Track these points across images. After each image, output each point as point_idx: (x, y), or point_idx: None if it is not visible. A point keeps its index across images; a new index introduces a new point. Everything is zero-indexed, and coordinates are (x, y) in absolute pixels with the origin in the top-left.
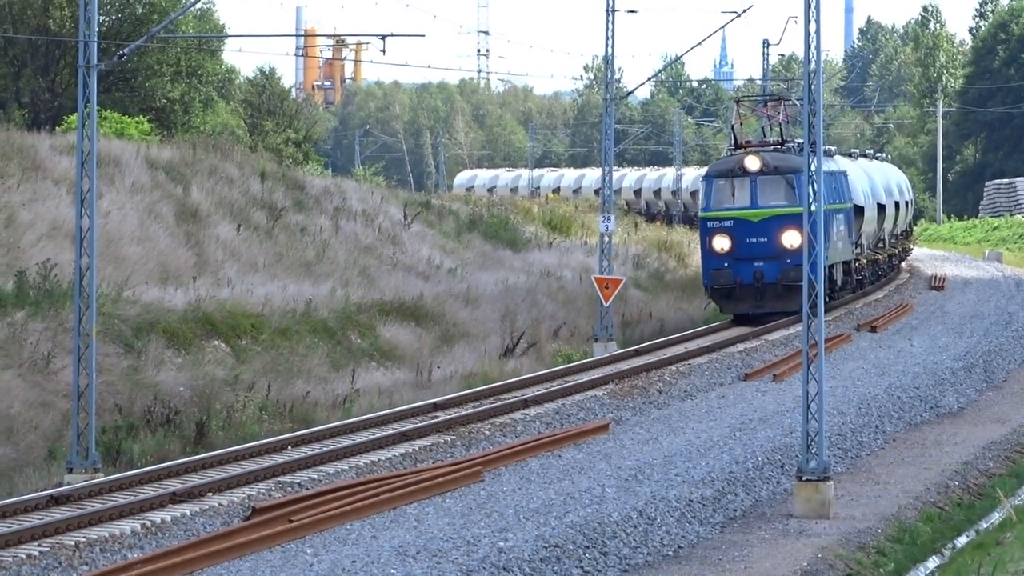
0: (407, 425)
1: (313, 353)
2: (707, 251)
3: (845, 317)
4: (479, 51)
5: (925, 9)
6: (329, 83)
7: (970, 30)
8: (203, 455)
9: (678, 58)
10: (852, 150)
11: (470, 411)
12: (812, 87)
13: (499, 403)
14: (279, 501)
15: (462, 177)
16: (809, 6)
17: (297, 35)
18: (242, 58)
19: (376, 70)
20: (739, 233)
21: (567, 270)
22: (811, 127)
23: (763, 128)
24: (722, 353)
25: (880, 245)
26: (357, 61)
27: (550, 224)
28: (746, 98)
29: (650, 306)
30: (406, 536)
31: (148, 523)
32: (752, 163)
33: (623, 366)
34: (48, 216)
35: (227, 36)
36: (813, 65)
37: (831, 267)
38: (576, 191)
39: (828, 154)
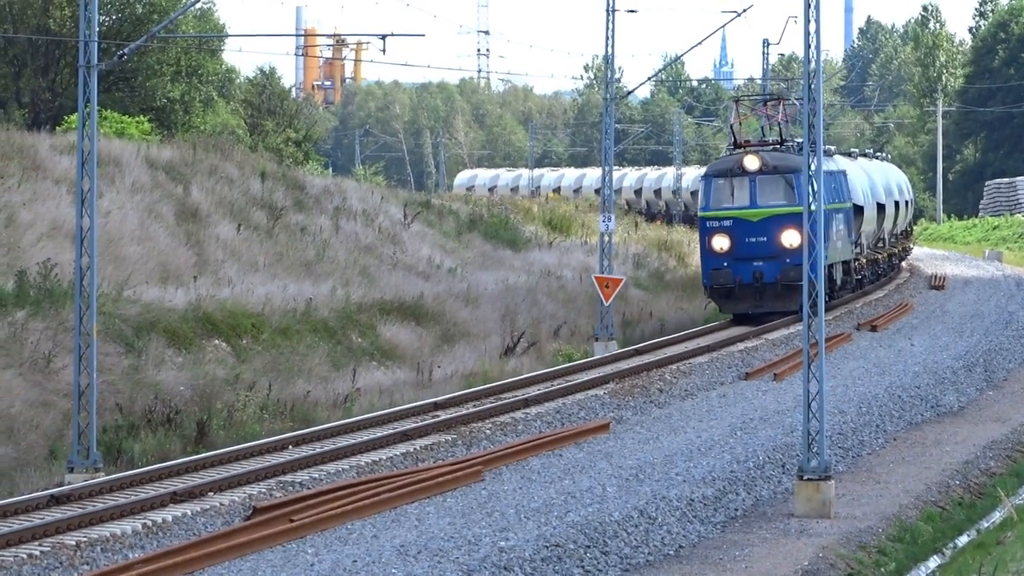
0: (408, 424)
1: (314, 352)
2: (706, 251)
3: (845, 316)
4: (479, 51)
5: (925, 9)
6: (329, 83)
7: (970, 29)
8: (204, 455)
9: (678, 58)
10: (852, 150)
11: (471, 410)
12: (812, 87)
13: (500, 402)
14: (280, 501)
15: (462, 177)
16: (809, 6)
17: (297, 35)
18: (242, 58)
19: (376, 70)
20: (738, 233)
21: (567, 270)
22: (811, 127)
23: (763, 128)
24: (723, 352)
25: (880, 244)
26: (357, 61)
27: (550, 224)
28: (746, 97)
29: (650, 305)
30: (407, 535)
31: (149, 523)
32: (751, 163)
33: (624, 365)
34: (48, 216)
35: (227, 36)
36: (813, 65)
37: (831, 266)
38: (576, 191)
39: (828, 153)
